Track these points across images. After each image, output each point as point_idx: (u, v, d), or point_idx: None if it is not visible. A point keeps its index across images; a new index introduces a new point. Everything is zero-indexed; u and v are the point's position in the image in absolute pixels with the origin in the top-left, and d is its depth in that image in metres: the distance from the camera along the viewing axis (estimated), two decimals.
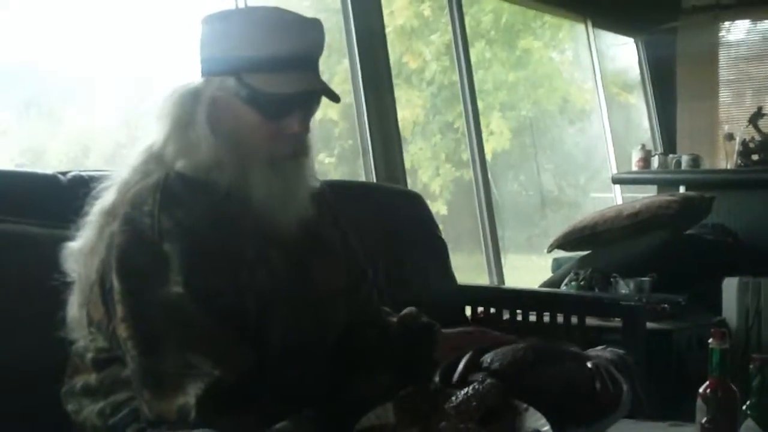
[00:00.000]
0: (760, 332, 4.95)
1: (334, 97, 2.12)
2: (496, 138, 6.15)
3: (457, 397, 2.00)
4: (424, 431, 1.90)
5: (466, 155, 5.49)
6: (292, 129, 2.07)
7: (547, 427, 1.93)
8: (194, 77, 2.12)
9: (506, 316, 3.88)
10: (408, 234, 3.70)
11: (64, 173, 2.78)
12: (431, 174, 5.75)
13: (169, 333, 1.91)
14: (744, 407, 2.12)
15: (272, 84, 2.03)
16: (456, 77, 5.40)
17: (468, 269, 5.24)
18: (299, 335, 2.11)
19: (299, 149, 2.12)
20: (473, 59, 5.44)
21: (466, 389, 2.01)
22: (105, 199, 2.06)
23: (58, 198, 2.66)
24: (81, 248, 2.05)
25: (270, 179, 2.07)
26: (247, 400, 1.89)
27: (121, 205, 1.99)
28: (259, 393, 1.92)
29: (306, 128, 2.10)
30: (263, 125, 2.06)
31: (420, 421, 1.93)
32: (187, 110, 2.06)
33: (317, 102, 2.14)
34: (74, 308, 2.08)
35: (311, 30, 2.10)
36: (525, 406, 2.04)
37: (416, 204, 3.94)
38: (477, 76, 5.41)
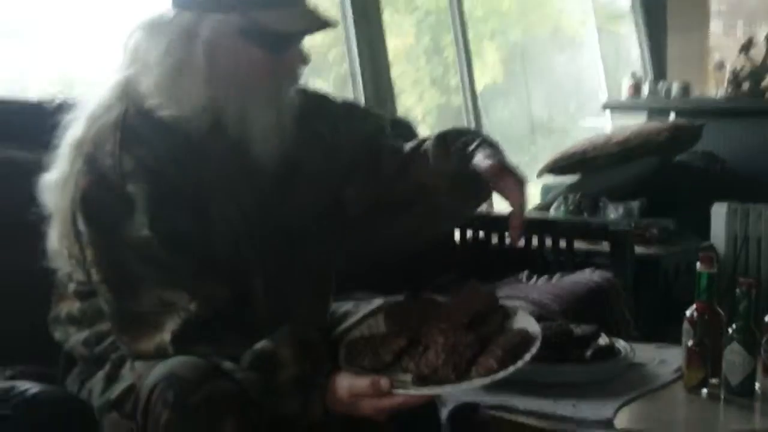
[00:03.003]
0: (747, 257, 4.99)
1: (331, 26, 2.09)
2: (489, 70, 6.11)
3: (446, 305, 2.01)
4: (413, 340, 1.90)
5: (453, 81, 5.45)
6: (296, 63, 2.07)
7: (536, 327, 1.94)
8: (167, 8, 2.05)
9: (495, 240, 3.89)
10: None
11: (49, 100, 2.76)
12: (415, 99, 5.70)
13: (141, 274, 1.91)
14: (730, 330, 2.14)
15: (280, 20, 1.99)
16: (444, 2, 5.36)
17: None
18: (280, 264, 2.10)
19: (295, 81, 2.11)
20: None
21: (454, 297, 2.02)
22: (74, 131, 2.03)
23: (44, 125, 2.65)
24: (55, 181, 2.03)
25: (271, 114, 2.05)
26: (228, 331, 1.89)
27: (86, 142, 1.97)
28: (245, 323, 1.93)
29: (305, 62, 2.09)
30: (267, 61, 2.02)
31: (410, 331, 1.93)
32: (183, 51, 2.00)
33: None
34: (54, 240, 2.07)
35: None
36: (514, 308, 2.06)
37: (406, 132, 3.93)
38: (466, 3, 5.35)
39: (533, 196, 5.53)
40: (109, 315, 1.95)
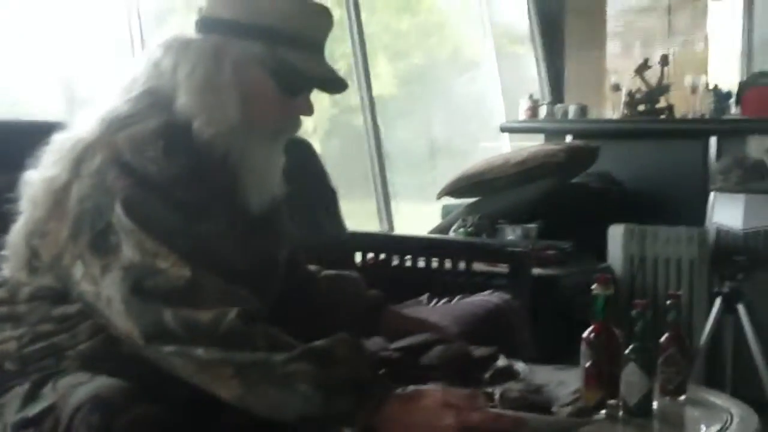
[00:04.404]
0: (644, 278, 5.05)
1: (345, 89, 2.21)
2: (382, 82, 6.11)
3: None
4: None
5: (346, 98, 5.47)
6: (304, 110, 2.15)
7: None
8: (191, 32, 2.12)
9: (396, 262, 3.90)
10: (297, 181, 3.67)
11: None
12: None
13: (205, 259, 1.90)
14: (627, 351, 2.16)
15: (302, 61, 2.07)
16: (338, 16, 5.35)
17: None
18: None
19: (296, 129, 2.19)
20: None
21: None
22: (81, 131, 2.02)
23: None
24: (43, 178, 2.00)
25: (270, 153, 2.14)
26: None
27: (107, 146, 1.95)
28: None
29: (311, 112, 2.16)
30: (280, 100, 2.10)
31: None
32: (213, 71, 2.05)
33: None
34: (18, 237, 2.04)
35: (329, 16, 2.18)
36: None
37: (305, 151, 3.92)
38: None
39: (433, 218, 5.56)
40: (167, 285, 1.86)
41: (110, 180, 1.91)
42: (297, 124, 2.18)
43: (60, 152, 2.01)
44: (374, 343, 2.43)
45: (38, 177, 2.02)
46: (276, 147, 2.17)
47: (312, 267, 2.58)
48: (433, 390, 1.88)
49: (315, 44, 2.12)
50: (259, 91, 2.08)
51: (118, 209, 1.89)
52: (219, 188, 2.04)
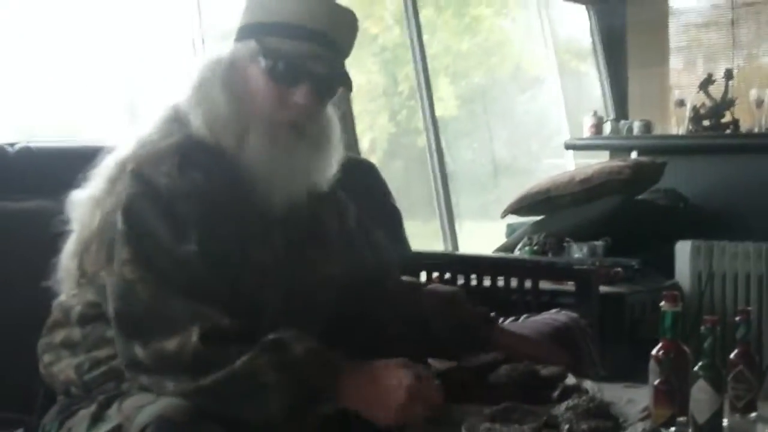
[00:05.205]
0: (712, 294, 5.00)
1: (348, 84, 2.18)
2: (443, 103, 6.11)
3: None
4: None
5: (409, 116, 5.47)
6: (298, 99, 2.10)
7: None
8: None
9: (461, 281, 3.89)
10: (361, 202, 3.69)
11: (11, 144, 2.74)
12: (363, 128, 5.67)
13: (177, 282, 1.91)
14: (696, 368, 2.14)
15: (287, 46, 2.07)
16: (400, 39, 5.37)
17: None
18: (289, 316, 2.11)
19: (301, 122, 2.13)
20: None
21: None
22: (120, 151, 2.08)
23: (5, 169, 2.64)
24: (89, 197, 2.07)
25: (267, 144, 2.09)
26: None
27: (134, 161, 2.01)
28: None
29: (313, 104, 2.13)
30: (275, 90, 2.09)
31: None
32: (207, 73, 2.12)
33: (333, 88, 2.18)
34: (68, 258, 2.09)
35: (339, 14, 2.15)
36: None
37: (369, 172, 3.93)
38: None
39: (497, 237, 5.55)
40: (137, 313, 1.91)
41: (123, 191, 1.98)
42: (291, 113, 2.12)
43: (101, 174, 2.08)
44: (488, 356, 2.42)
45: (83, 197, 2.09)
46: (279, 139, 2.12)
47: (412, 279, 2.63)
48: (385, 362, 1.95)
49: (314, 34, 2.09)
50: (252, 84, 2.10)
51: (119, 216, 1.95)
52: (236, 196, 2.06)
